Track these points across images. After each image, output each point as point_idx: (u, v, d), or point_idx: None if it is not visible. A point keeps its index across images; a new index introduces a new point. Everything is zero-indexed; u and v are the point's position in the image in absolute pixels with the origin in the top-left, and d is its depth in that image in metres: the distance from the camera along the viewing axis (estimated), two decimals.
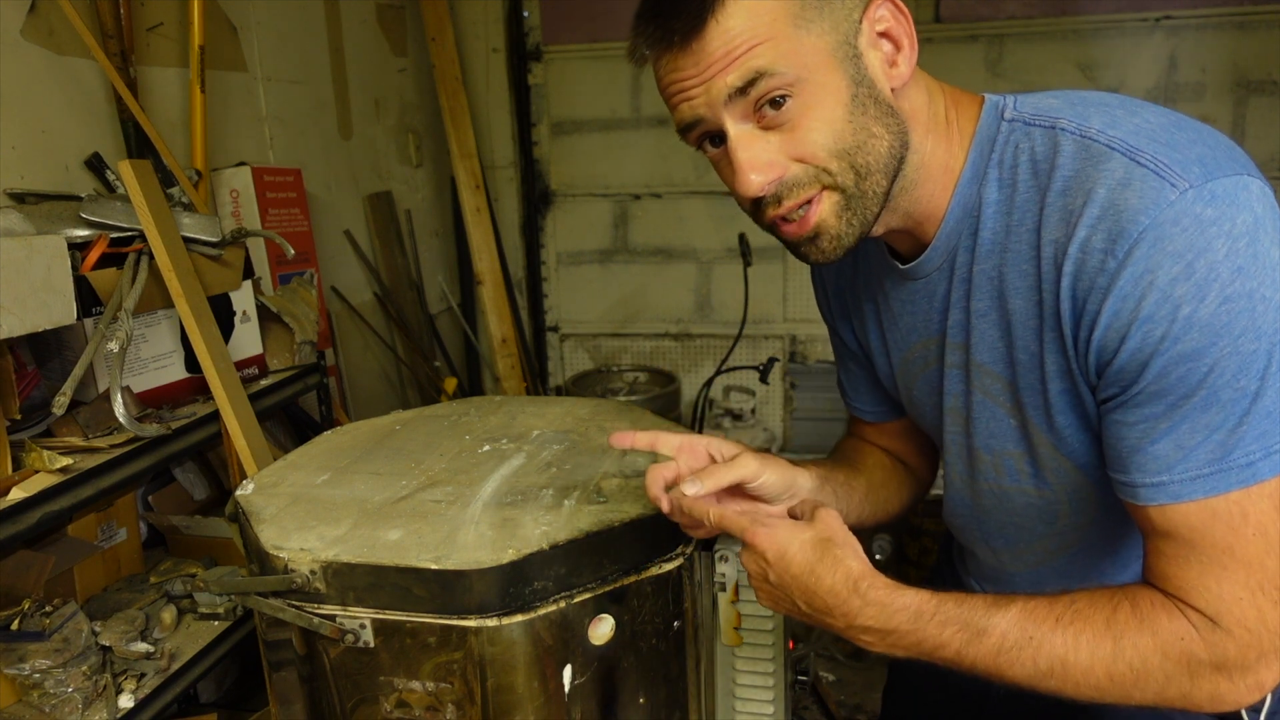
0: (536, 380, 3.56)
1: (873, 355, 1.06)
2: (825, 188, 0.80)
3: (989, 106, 0.85)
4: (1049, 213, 0.77)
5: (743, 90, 0.76)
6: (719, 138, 0.81)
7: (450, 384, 3.12)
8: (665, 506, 0.90)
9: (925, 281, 0.91)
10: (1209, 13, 2.87)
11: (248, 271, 1.77)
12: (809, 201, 0.80)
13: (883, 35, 0.80)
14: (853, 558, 0.83)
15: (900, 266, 0.92)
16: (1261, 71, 2.88)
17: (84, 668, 1.37)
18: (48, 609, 1.41)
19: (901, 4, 0.81)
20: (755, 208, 0.83)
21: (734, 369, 3.12)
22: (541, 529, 0.99)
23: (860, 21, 0.78)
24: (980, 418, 0.92)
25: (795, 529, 0.85)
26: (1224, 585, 0.73)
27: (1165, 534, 0.76)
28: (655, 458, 0.98)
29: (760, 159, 0.78)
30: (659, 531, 1.03)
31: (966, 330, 0.89)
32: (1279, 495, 0.71)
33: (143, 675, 1.42)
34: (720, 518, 0.87)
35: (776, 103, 0.76)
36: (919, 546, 2.77)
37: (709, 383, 3.03)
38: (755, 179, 0.78)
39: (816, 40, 0.76)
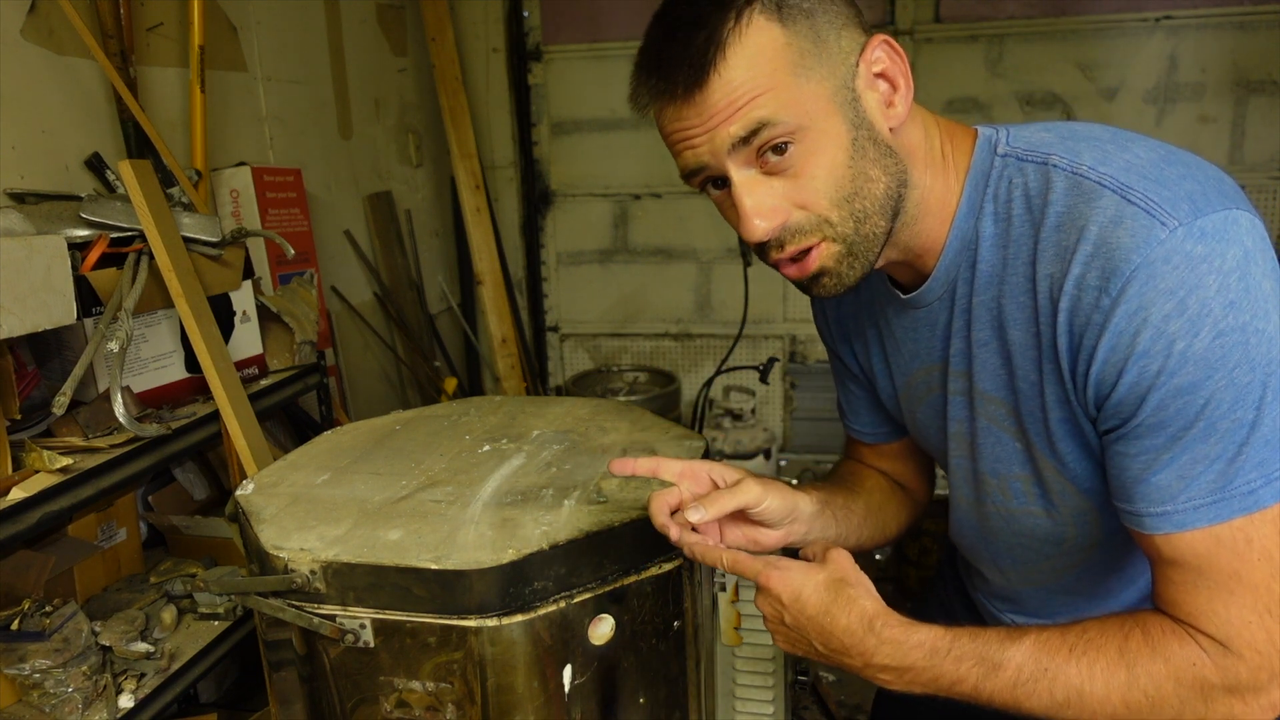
0: (536, 380, 3.56)
1: (875, 378, 1.07)
2: (825, 238, 0.81)
3: (982, 140, 0.86)
4: (1043, 247, 0.79)
5: (746, 139, 0.77)
6: (722, 181, 0.83)
7: (450, 384, 3.12)
8: (674, 535, 0.90)
9: (927, 310, 0.92)
10: (1209, 13, 2.87)
11: (248, 271, 1.77)
12: (810, 247, 0.82)
13: (879, 76, 0.82)
14: (866, 597, 0.84)
15: (902, 296, 0.94)
16: (1261, 71, 2.88)
17: (84, 668, 1.37)
18: (48, 609, 1.41)
19: (896, 44, 0.82)
20: (759, 248, 0.84)
21: (734, 369, 3.12)
22: (541, 529, 0.99)
23: (857, 64, 0.80)
24: (985, 443, 0.93)
25: (808, 571, 0.86)
26: (1232, 610, 0.74)
27: (1172, 561, 0.77)
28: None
29: (764, 205, 0.80)
30: (659, 531, 1.03)
31: (969, 359, 0.90)
32: (1278, 523, 0.73)
33: (143, 675, 1.42)
34: (734, 562, 0.88)
35: (779, 149, 0.78)
36: (919, 546, 2.77)
37: (709, 383, 3.04)
38: (760, 224, 0.80)
39: (816, 87, 0.78)
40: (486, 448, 1.27)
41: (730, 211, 0.84)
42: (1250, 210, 0.75)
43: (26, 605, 1.39)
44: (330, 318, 2.59)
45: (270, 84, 2.35)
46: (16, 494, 1.25)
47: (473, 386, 3.51)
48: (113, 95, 1.76)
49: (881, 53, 0.81)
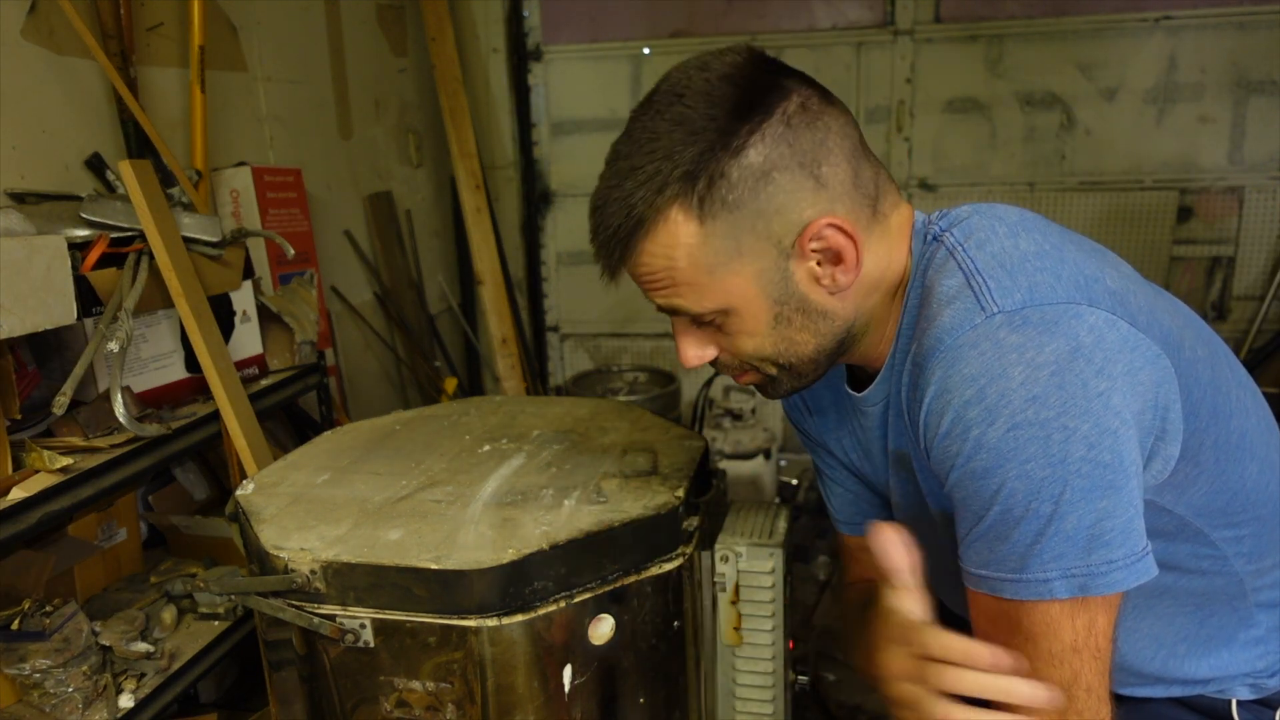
0: (536, 380, 3.56)
1: (858, 465, 1.04)
2: (755, 370, 0.88)
3: (918, 228, 0.87)
4: (919, 314, 0.82)
5: (670, 310, 0.85)
6: None
7: (450, 384, 3.12)
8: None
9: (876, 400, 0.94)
10: (1209, 13, 2.87)
11: (248, 271, 1.77)
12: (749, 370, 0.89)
13: (819, 252, 0.81)
14: None
15: (855, 394, 0.95)
16: (1261, 71, 2.88)
17: (84, 667, 1.37)
18: (48, 609, 1.41)
19: (848, 226, 0.79)
20: None
21: None
22: (541, 529, 0.99)
23: (792, 246, 0.80)
24: (897, 488, 0.95)
25: None
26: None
27: (981, 612, 0.80)
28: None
29: (692, 350, 0.88)
30: (659, 531, 1.03)
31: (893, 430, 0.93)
32: (1073, 615, 0.74)
33: (143, 675, 1.42)
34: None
35: (702, 322, 0.84)
36: None
37: (709, 383, 3.03)
38: (691, 357, 0.88)
39: (734, 278, 0.81)
40: (486, 448, 1.27)
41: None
42: (1117, 313, 0.73)
43: (27, 605, 1.39)
44: (330, 318, 2.59)
45: (270, 84, 2.35)
46: (17, 494, 1.25)
47: (473, 386, 3.51)
48: (113, 95, 1.76)
49: (828, 233, 0.79)
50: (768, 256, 0.80)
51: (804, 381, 0.89)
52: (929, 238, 0.85)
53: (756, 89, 0.78)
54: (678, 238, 0.79)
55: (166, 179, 1.71)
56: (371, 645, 0.96)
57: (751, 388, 0.94)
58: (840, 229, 0.79)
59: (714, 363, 0.89)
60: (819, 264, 0.81)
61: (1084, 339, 0.71)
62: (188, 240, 1.59)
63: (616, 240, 0.81)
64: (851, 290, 0.83)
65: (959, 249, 0.80)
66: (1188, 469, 0.80)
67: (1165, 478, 0.79)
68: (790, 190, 0.78)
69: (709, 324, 0.85)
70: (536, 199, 3.54)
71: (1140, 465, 0.74)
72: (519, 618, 0.94)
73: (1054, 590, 0.73)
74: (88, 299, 1.38)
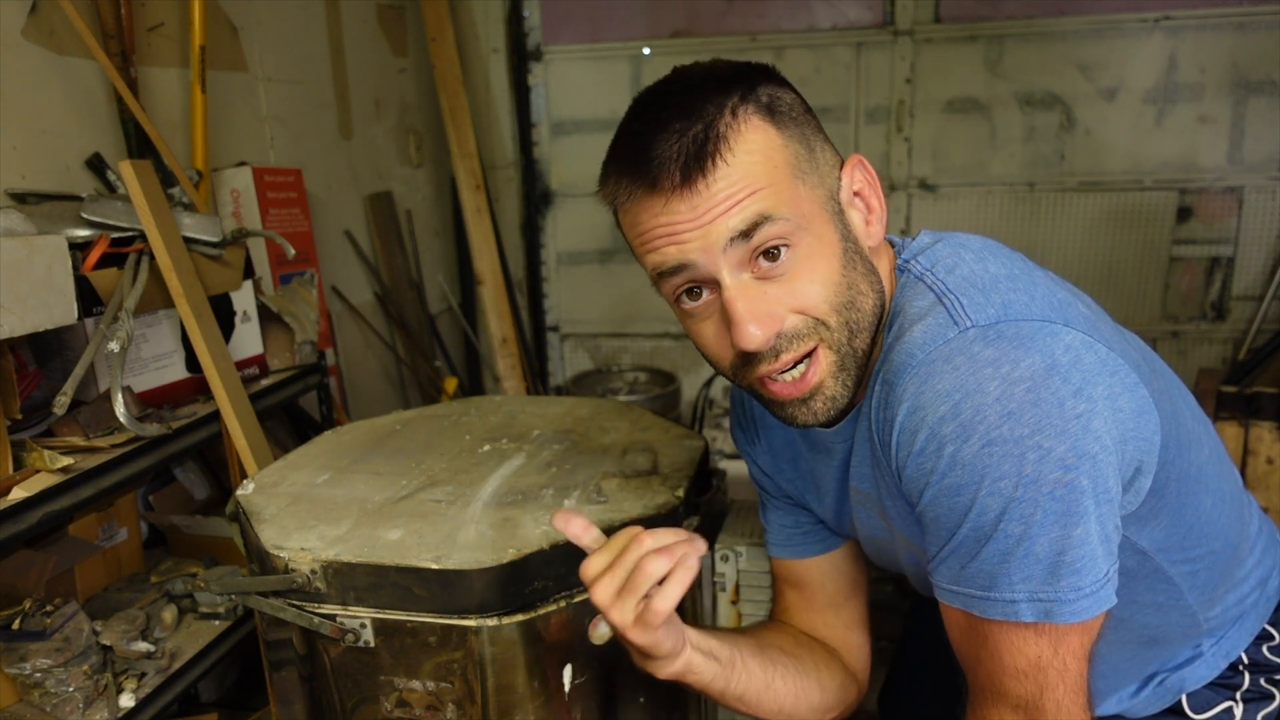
0: (536, 380, 3.56)
1: (808, 497, 1.03)
2: (822, 342, 0.77)
3: (895, 254, 0.87)
4: (885, 340, 0.81)
5: (746, 234, 0.73)
6: (699, 289, 0.78)
7: (450, 384, 3.12)
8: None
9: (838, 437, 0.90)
10: (1209, 13, 2.87)
11: (248, 271, 1.77)
12: (807, 356, 0.78)
13: (857, 195, 0.81)
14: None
15: (823, 430, 0.90)
16: (1261, 71, 2.88)
17: (85, 667, 1.37)
18: (49, 608, 1.41)
19: (872, 169, 0.82)
20: (743, 363, 0.79)
21: None
22: (542, 529, 0.99)
23: (839, 179, 0.80)
24: (864, 524, 0.94)
25: None
26: (985, 688, 0.78)
27: (953, 625, 0.79)
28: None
29: (760, 309, 0.74)
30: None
31: (852, 466, 0.90)
32: (1038, 635, 0.73)
33: (143, 675, 1.42)
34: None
35: (773, 254, 0.75)
36: None
37: (709, 382, 3.03)
38: (756, 332, 0.74)
39: (810, 191, 0.77)
40: (487, 448, 1.27)
41: (708, 324, 0.79)
42: (1093, 335, 0.73)
43: (27, 605, 1.39)
44: (330, 318, 2.60)
45: (271, 84, 2.35)
46: (17, 494, 1.25)
47: (473, 386, 3.51)
48: (113, 95, 1.76)
49: (860, 174, 0.81)
50: (828, 184, 0.78)
51: (855, 374, 0.79)
52: (896, 268, 0.85)
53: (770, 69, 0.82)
54: (761, 136, 0.74)
55: (167, 179, 1.71)
56: (372, 645, 0.96)
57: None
58: (868, 169, 0.81)
59: (776, 338, 0.76)
60: (859, 212, 0.81)
61: (1060, 357, 0.70)
62: (188, 240, 1.59)
63: (695, 146, 0.72)
64: (876, 253, 0.83)
65: (928, 274, 0.79)
66: (1153, 502, 0.79)
67: (1132, 510, 0.78)
68: (823, 132, 0.81)
69: (773, 273, 0.75)
70: (536, 199, 3.55)
71: (1118, 493, 0.72)
72: (519, 618, 0.94)
73: (1020, 613, 0.72)
74: (88, 299, 1.38)
